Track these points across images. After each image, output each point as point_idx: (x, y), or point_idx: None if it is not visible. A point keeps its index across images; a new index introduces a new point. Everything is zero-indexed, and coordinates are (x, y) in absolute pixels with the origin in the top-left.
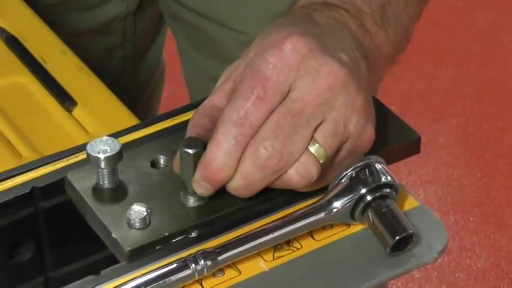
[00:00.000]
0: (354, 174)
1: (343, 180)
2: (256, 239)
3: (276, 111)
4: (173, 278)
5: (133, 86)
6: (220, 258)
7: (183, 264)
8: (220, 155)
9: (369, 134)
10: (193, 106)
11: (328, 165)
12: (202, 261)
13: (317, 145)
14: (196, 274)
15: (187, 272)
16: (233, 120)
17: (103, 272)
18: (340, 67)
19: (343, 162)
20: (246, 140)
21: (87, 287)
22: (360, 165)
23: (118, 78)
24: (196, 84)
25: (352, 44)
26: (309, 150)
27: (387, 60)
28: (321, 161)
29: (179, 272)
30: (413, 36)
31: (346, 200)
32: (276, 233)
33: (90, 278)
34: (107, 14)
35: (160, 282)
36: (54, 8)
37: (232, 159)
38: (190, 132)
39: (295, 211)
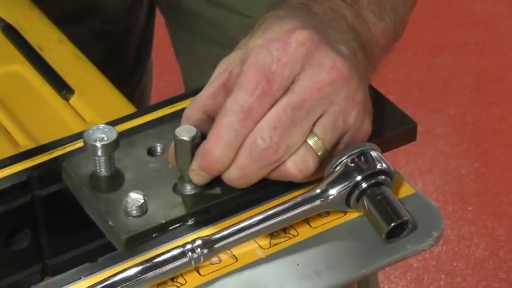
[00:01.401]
0: (349, 162)
1: (339, 168)
2: (252, 227)
3: (277, 104)
4: (170, 266)
5: (130, 80)
6: (216, 246)
7: (180, 252)
8: (220, 146)
9: (367, 127)
10: (189, 94)
11: (326, 158)
12: (199, 249)
13: (316, 138)
14: (192, 262)
15: (184, 260)
16: (236, 113)
17: (100, 259)
18: (343, 61)
19: None
20: (246, 133)
21: (84, 274)
22: (355, 153)
23: (118, 74)
24: (194, 71)
25: (350, 34)
26: (307, 143)
27: (383, 50)
28: (319, 154)
29: (176, 260)
30: (411, 26)
31: (342, 188)
32: (272, 221)
33: (87, 265)
34: (103, 12)
35: (157, 270)
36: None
37: (231, 151)
38: (184, 124)
39: (291, 199)
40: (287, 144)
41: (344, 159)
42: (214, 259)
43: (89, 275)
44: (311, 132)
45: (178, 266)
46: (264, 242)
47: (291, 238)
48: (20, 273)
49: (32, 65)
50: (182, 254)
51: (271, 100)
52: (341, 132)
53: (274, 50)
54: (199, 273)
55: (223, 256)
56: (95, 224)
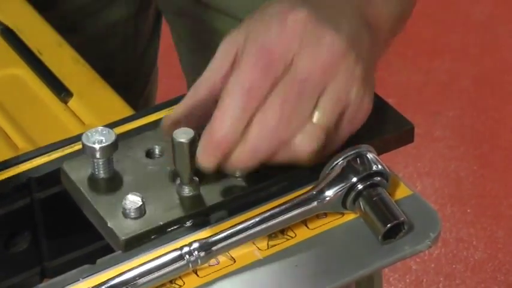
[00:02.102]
0: (345, 163)
1: (335, 169)
2: (249, 229)
3: (281, 81)
4: (167, 269)
5: (134, 87)
6: (214, 248)
7: (177, 255)
8: (226, 123)
9: (367, 104)
10: None
11: (329, 137)
12: (196, 252)
13: (320, 114)
14: (190, 265)
15: (182, 263)
16: (239, 91)
17: (99, 261)
18: (341, 38)
19: (342, 132)
20: (251, 111)
21: (83, 276)
22: (350, 154)
23: (121, 80)
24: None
25: (356, 12)
26: (312, 119)
27: (391, 30)
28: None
29: (173, 263)
30: (410, 29)
31: (338, 189)
32: (270, 223)
33: (86, 267)
34: (108, 18)
35: (154, 273)
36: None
37: (238, 128)
38: (189, 106)
39: (288, 200)
40: (296, 120)
41: (340, 160)
42: (212, 260)
43: (87, 276)
44: (314, 108)
45: (176, 269)
46: (262, 243)
47: (288, 239)
48: (19, 276)
49: (30, 68)
50: (180, 257)
51: (271, 76)
52: (342, 107)
53: (273, 27)
54: (197, 275)
55: (221, 258)
56: (93, 226)
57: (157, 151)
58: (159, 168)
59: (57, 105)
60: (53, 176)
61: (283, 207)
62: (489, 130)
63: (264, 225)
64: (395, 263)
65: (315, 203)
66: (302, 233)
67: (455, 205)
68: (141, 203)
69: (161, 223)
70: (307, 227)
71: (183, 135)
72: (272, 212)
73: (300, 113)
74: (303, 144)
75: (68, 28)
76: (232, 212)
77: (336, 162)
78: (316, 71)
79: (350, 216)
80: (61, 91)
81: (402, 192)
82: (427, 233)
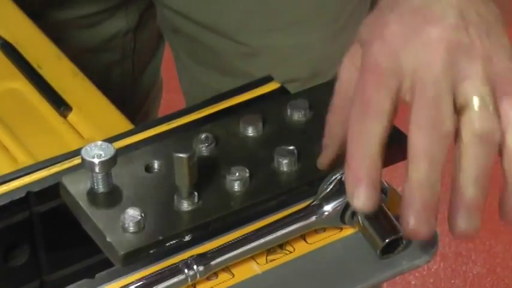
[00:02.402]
0: (343, 178)
1: (333, 184)
2: (248, 244)
3: (414, 98)
4: (166, 283)
5: (131, 102)
6: (213, 263)
7: (176, 270)
8: (363, 152)
9: (510, 67)
10: (186, 111)
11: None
12: (195, 267)
13: (474, 98)
14: (189, 279)
15: (181, 277)
16: (358, 111)
17: (98, 275)
18: (444, 25)
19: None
20: (379, 127)
21: None
22: None
23: (116, 94)
24: (196, 96)
25: None
26: (471, 110)
27: None
28: (490, 109)
29: (172, 277)
30: None
31: (336, 204)
32: (268, 238)
33: (84, 281)
34: (107, 31)
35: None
36: (57, 26)
37: (377, 151)
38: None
39: (286, 215)
40: (448, 117)
41: (338, 175)
42: (211, 275)
43: None
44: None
45: (174, 284)
46: (261, 258)
47: (287, 254)
48: None
49: (30, 82)
50: (178, 272)
51: (385, 88)
52: (488, 76)
53: (373, 45)
54: None
55: (220, 272)
56: (92, 240)
57: (156, 165)
58: (158, 182)
59: (57, 119)
60: (52, 190)
61: (281, 222)
62: None
63: (262, 240)
64: (394, 278)
65: (313, 218)
66: (301, 248)
67: None
68: (140, 218)
69: (160, 237)
70: (306, 242)
71: (183, 150)
72: (271, 227)
73: (446, 111)
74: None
75: (61, 38)
76: (231, 226)
77: (334, 177)
78: (436, 73)
79: (348, 231)
80: (60, 105)
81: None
82: (426, 247)
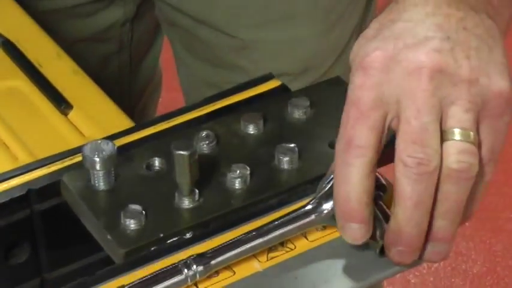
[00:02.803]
0: None
1: (332, 183)
2: (247, 243)
3: (399, 131)
4: (165, 283)
5: (129, 94)
6: (212, 262)
7: (175, 270)
8: (348, 190)
9: (498, 85)
10: (187, 109)
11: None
12: (195, 267)
13: (455, 129)
14: (188, 279)
15: (180, 277)
16: (342, 148)
17: (98, 273)
18: (428, 55)
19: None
20: (362, 162)
21: None
22: None
23: (114, 86)
24: (193, 90)
25: (451, 9)
26: (451, 140)
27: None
28: (470, 140)
29: (171, 277)
30: None
31: None
32: (267, 237)
33: (85, 279)
34: (104, 21)
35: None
36: (51, 15)
37: (361, 189)
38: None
39: (286, 214)
40: (433, 149)
41: None
42: (212, 272)
43: None
44: (446, 129)
45: (173, 284)
46: (262, 255)
47: (288, 251)
48: (18, 287)
49: (30, 80)
50: (178, 272)
51: (366, 122)
52: (476, 105)
53: (355, 78)
54: (197, 287)
55: (220, 270)
56: (93, 238)
57: (157, 163)
58: (159, 180)
59: (57, 117)
60: (53, 187)
61: (281, 221)
62: None
63: (261, 240)
64: (394, 276)
65: (312, 217)
66: (302, 245)
67: None
68: (141, 215)
69: (161, 235)
70: (307, 239)
71: (184, 147)
72: (270, 226)
73: (431, 141)
74: (457, 166)
75: (57, 27)
76: (232, 224)
77: (333, 175)
78: (423, 99)
79: None
80: (61, 103)
81: None
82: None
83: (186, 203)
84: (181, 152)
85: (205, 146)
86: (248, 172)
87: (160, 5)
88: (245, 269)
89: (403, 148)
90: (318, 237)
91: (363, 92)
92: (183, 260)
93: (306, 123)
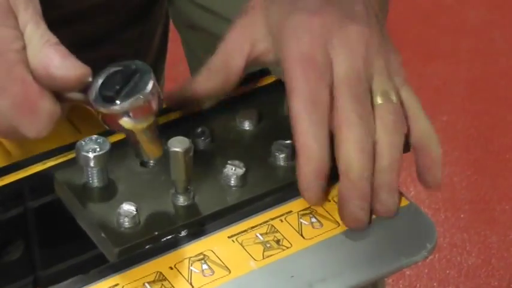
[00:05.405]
0: None
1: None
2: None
3: (339, 87)
4: None
5: None
6: None
7: None
8: (312, 145)
9: (398, 59)
10: None
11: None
12: None
13: (386, 91)
14: None
15: None
16: (305, 107)
17: (92, 271)
18: (363, 25)
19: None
20: (326, 119)
21: (76, 287)
22: None
23: None
24: None
25: None
26: (381, 102)
27: None
28: (394, 100)
29: None
30: (403, 34)
31: None
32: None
33: (79, 277)
34: (125, 35)
35: None
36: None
37: (323, 143)
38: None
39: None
40: (370, 117)
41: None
42: (207, 271)
43: (81, 287)
44: (375, 93)
45: None
46: (257, 254)
47: (284, 250)
48: (11, 285)
49: None
50: None
51: (324, 80)
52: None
53: (303, 37)
54: (192, 286)
55: (216, 268)
56: (87, 236)
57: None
58: (153, 177)
59: None
60: (47, 184)
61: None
62: (483, 135)
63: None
64: (391, 275)
65: None
66: (298, 243)
67: (448, 210)
68: (135, 213)
69: (156, 233)
70: (303, 237)
71: (179, 144)
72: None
73: (370, 107)
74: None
75: (87, 45)
76: (227, 221)
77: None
78: (359, 64)
79: (346, 227)
80: None
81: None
82: (424, 243)
83: (181, 200)
84: (176, 149)
85: (200, 142)
86: (244, 169)
87: (185, 7)
88: (240, 267)
89: (348, 109)
90: (314, 235)
91: (316, 52)
92: None
93: None
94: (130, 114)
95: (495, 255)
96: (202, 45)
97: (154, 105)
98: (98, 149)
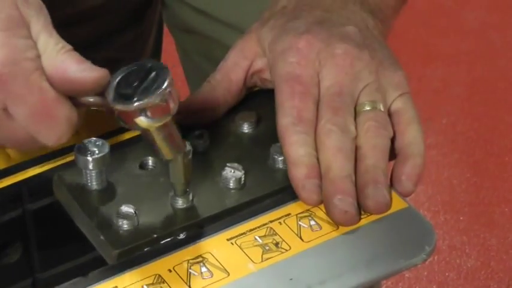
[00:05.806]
0: None
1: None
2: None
3: (322, 101)
4: None
5: None
6: None
7: None
8: (298, 149)
9: (399, 76)
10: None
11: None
12: None
13: (373, 101)
14: None
15: None
16: (291, 122)
17: (91, 273)
18: (351, 44)
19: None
20: (312, 130)
21: None
22: None
23: None
24: None
25: (356, 7)
26: (365, 110)
27: (395, 11)
28: (379, 108)
29: None
30: (402, 36)
31: None
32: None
33: (78, 279)
34: (124, 38)
35: None
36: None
37: (311, 148)
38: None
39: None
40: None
41: None
42: (206, 274)
43: None
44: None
45: None
46: (256, 256)
47: (283, 252)
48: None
49: None
50: None
51: (311, 97)
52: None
53: (291, 57)
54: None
55: (214, 271)
56: (86, 238)
57: (150, 162)
58: (152, 179)
59: None
60: (46, 187)
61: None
62: (482, 137)
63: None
64: (390, 277)
65: None
66: (296, 246)
67: (448, 213)
68: (134, 215)
69: (154, 235)
70: (302, 240)
71: None
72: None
73: (350, 117)
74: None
75: (84, 48)
76: (226, 224)
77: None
78: (345, 80)
79: (344, 229)
80: None
81: (397, 204)
82: (422, 246)
83: (180, 203)
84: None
85: (199, 145)
86: (242, 171)
87: (181, 11)
88: (239, 270)
89: (329, 119)
90: (313, 238)
91: (303, 70)
92: None
93: None
94: (148, 113)
95: (494, 257)
96: (197, 49)
97: (171, 104)
98: (97, 152)
